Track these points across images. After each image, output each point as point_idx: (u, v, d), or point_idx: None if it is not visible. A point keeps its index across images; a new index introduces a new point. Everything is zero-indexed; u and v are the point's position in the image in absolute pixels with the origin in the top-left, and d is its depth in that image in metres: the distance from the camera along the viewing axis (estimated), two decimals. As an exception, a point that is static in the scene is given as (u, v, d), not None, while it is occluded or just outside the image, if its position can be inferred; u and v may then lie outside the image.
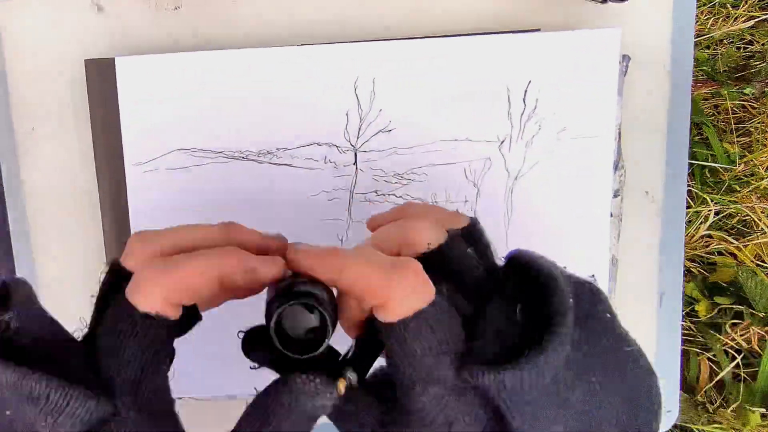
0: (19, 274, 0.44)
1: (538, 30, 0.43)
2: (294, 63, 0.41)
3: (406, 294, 0.24)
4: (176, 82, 0.41)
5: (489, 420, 0.25)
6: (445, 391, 0.25)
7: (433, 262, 0.27)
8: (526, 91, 0.43)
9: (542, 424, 0.25)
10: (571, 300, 0.25)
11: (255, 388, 0.43)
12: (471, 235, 0.30)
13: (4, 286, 0.26)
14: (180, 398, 0.44)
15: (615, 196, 0.45)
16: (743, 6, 1.04)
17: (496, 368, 0.23)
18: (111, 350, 0.25)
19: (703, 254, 0.97)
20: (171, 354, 0.28)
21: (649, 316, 0.47)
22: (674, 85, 0.46)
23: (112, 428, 0.24)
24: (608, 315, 0.28)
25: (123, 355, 0.25)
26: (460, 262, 0.28)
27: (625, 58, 0.44)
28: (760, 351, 0.88)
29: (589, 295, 0.28)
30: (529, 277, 0.27)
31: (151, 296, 0.25)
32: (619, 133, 0.44)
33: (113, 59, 0.40)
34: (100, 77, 0.41)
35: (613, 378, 0.27)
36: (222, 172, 0.42)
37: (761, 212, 0.96)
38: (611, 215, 0.45)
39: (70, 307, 0.44)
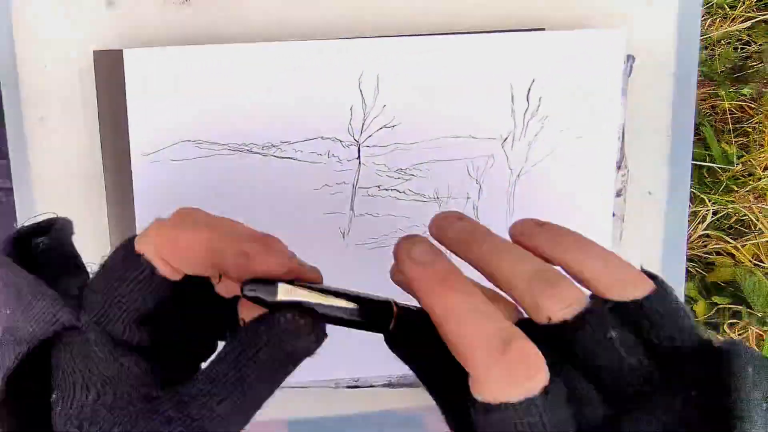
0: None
1: (543, 29, 0.44)
2: (299, 58, 0.41)
3: (502, 379, 0.19)
4: (183, 74, 0.41)
5: None
6: None
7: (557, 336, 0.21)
8: (529, 89, 0.43)
9: None
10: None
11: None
12: (641, 310, 0.22)
13: (50, 222, 0.27)
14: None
15: (617, 196, 0.45)
16: (741, 7, 1.04)
17: None
18: (96, 275, 0.25)
19: (701, 254, 0.97)
20: (164, 317, 0.25)
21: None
22: (678, 86, 0.46)
23: (70, 338, 0.23)
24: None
25: (100, 277, 0.24)
26: (593, 349, 0.21)
27: (630, 59, 0.44)
28: (758, 350, 0.89)
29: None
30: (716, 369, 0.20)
31: (149, 239, 0.24)
32: (623, 134, 0.44)
33: (121, 51, 0.40)
34: (109, 68, 0.41)
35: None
36: (226, 164, 0.42)
37: (759, 212, 0.96)
38: (613, 215, 0.45)
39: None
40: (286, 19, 0.43)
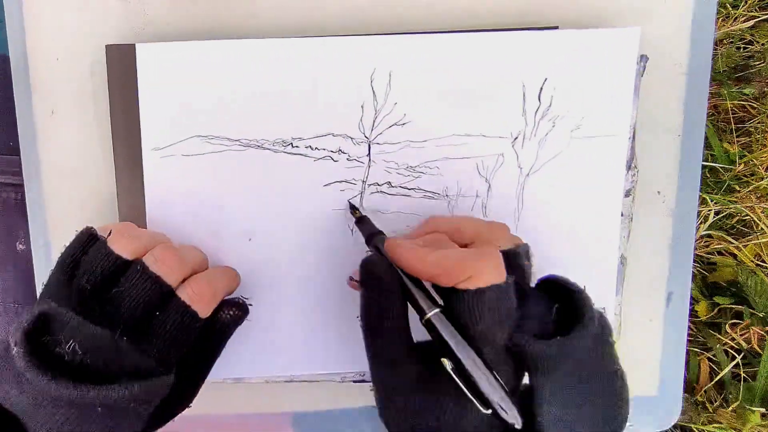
0: (34, 257, 0.44)
1: (556, 27, 0.43)
2: (312, 54, 0.41)
3: (489, 270, 0.32)
4: (195, 69, 0.41)
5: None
6: (494, 352, 0.32)
7: None
8: (541, 88, 0.43)
9: (556, 400, 0.33)
10: (594, 311, 0.33)
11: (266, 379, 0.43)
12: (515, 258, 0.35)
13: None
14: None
15: (626, 195, 0.45)
16: (743, 6, 1.03)
17: (541, 341, 0.32)
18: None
19: (703, 254, 0.97)
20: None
21: (656, 316, 0.48)
22: (690, 87, 0.46)
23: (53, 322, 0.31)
24: (611, 340, 0.35)
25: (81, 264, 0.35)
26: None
27: (643, 59, 0.44)
28: (760, 351, 0.89)
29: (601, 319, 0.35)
30: (564, 290, 0.35)
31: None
32: (634, 133, 0.44)
33: (134, 45, 0.40)
34: (121, 63, 0.41)
35: (604, 390, 0.34)
36: (237, 159, 0.42)
37: (761, 212, 0.96)
38: (621, 215, 0.45)
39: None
40: (298, 16, 0.43)
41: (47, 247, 0.44)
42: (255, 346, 0.45)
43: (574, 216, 0.44)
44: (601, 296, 0.45)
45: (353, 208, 0.43)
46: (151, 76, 0.41)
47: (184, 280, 0.36)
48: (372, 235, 0.40)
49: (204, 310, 0.35)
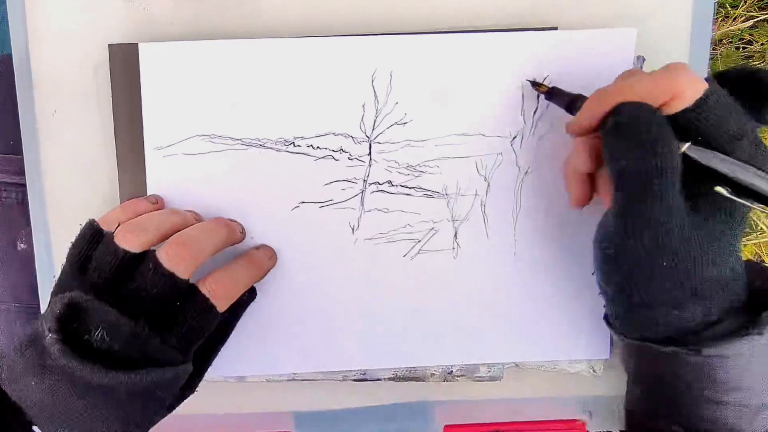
0: (36, 256, 0.44)
1: (555, 28, 0.44)
2: (314, 54, 0.42)
3: (693, 82, 0.31)
4: (198, 69, 0.41)
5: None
6: (748, 146, 0.32)
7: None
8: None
9: None
10: None
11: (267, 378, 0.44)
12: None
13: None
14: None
15: (623, 194, 0.45)
16: (742, 6, 1.04)
17: None
18: None
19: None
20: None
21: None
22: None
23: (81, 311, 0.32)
24: None
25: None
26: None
27: (640, 59, 0.44)
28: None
29: None
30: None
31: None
32: (630, 133, 0.45)
33: (137, 45, 0.41)
34: (124, 62, 0.41)
35: None
36: (239, 158, 0.42)
37: (760, 212, 0.97)
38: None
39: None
40: (301, 15, 0.43)
41: (48, 247, 0.45)
42: (256, 345, 0.45)
43: (572, 215, 0.45)
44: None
45: (535, 84, 0.42)
46: (154, 76, 0.41)
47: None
48: (573, 100, 0.38)
49: (223, 305, 0.36)
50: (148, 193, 0.42)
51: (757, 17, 1.04)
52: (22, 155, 0.43)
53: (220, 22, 0.43)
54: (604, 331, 0.46)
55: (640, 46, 0.43)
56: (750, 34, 1.05)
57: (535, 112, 0.44)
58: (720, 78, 0.34)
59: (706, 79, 0.32)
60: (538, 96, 0.43)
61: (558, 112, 0.43)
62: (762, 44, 1.04)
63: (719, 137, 0.32)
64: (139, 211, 0.39)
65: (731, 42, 1.04)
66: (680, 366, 0.34)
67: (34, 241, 0.44)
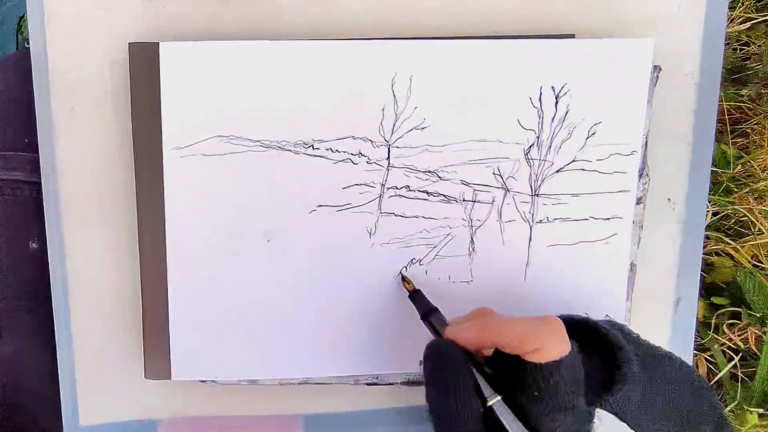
0: (50, 255, 0.44)
1: (572, 36, 0.44)
2: (334, 57, 0.42)
3: (556, 342, 0.33)
4: (218, 69, 0.41)
5: None
6: (573, 417, 0.33)
7: None
8: (558, 95, 0.43)
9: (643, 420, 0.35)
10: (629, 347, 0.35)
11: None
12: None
13: None
14: (203, 381, 0.45)
15: (637, 203, 0.46)
16: (740, 8, 1.04)
17: (609, 393, 0.34)
18: None
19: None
20: None
21: (664, 322, 0.49)
22: (701, 96, 0.47)
23: None
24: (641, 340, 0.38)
25: None
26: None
27: (656, 69, 0.45)
28: (757, 351, 0.90)
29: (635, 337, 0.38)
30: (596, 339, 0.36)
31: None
32: (646, 142, 0.45)
33: (158, 44, 0.40)
34: (144, 61, 0.41)
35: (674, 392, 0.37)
36: (258, 160, 0.42)
37: (758, 213, 0.97)
38: (633, 222, 0.46)
39: (105, 290, 0.45)
40: (321, 17, 0.43)
41: (62, 247, 0.44)
42: (270, 348, 0.45)
43: (587, 223, 0.45)
44: (611, 302, 0.46)
45: (405, 280, 0.44)
46: (174, 75, 0.41)
47: None
48: (428, 312, 0.41)
49: None
50: (166, 194, 0.42)
51: (755, 19, 1.04)
52: (38, 153, 0.43)
53: (242, 22, 0.43)
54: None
55: (654, 55, 0.43)
56: (747, 36, 1.05)
57: (553, 119, 0.44)
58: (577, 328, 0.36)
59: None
60: (556, 103, 0.43)
61: (576, 118, 0.43)
62: (759, 46, 1.04)
63: (554, 401, 0.33)
64: None
65: (728, 44, 1.04)
66: None
67: (47, 241, 0.44)
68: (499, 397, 0.33)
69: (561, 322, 0.34)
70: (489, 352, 0.37)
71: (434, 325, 0.40)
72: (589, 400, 0.34)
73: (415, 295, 0.43)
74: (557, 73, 0.43)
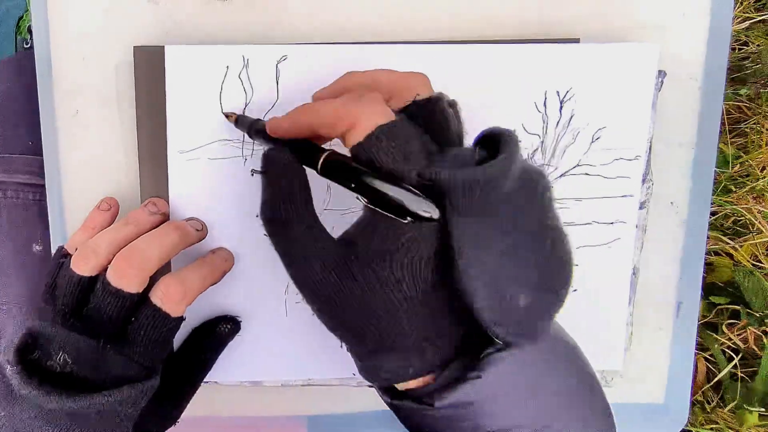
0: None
1: (577, 40, 0.44)
2: (339, 60, 0.41)
3: (369, 114, 0.29)
4: (223, 73, 0.41)
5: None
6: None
7: None
8: (562, 100, 0.43)
9: (479, 242, 0.28)
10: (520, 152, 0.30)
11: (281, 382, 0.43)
12: (425, 108, 0.32)
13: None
14: (206, 382, 0.45)
15: (641, 207, 0.46)
16: (738, 7, 1.04)
17: (452, 169, 0.27)
18: None
19: (699, 254, 0.98)
20: None
21: (666, 326, 0.49)
22: (705, 101, 0.47)
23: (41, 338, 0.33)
24: (549, 195, 0.31)
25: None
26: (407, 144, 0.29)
27: (661, 74, 0.45)
28: (756, 350, 0.90)
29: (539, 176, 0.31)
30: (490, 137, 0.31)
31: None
32: (650, 147, 0.45)
33: (163, 47, 0.40)
34: (149, 64, 0.41)
35: (534, 243, 0.31)
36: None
37: (757, 212, 0.97)
38: (636, 226, 0.46)
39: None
40: (327, 23, 0.43)
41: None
42: (272, 349, 0.45)
43: (590, 227, 0.45)
44: (613, 306, 0.46)
45: (227, 115, 0.40)
46: (180, 79, 0.41)
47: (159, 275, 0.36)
48: (252, 125, 0.37)
49: (175, 310, 0.36)
50: (171, 197, 0.42)
51: (753, 18, 1.04)
52: (42, 156, 0.43)
53: (248, 26, 0.43)
54: (617, 341, 0.46)
55: (659, 59, 0.43)
56: (746, 35, 1.05)
57: (557, 124, 0.44)
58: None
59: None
60: (561, 107, 0.43)
61: (581, 123, 0.43)
62: (758, 45, 1.04)
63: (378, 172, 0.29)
64: (97, 227, 0.40)
65: (727, 42, 1.04)
66: (427, 419, 0.32)
67: (51, 244, 0.44)
68: (328, 151, 0.31)
69: (375, 93, 0.31)
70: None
71: (262, 135, 0.35)
72: (426, 175, 0.28)
73: (238, 120, 0.39)
74: (562, 78, 0.43)
